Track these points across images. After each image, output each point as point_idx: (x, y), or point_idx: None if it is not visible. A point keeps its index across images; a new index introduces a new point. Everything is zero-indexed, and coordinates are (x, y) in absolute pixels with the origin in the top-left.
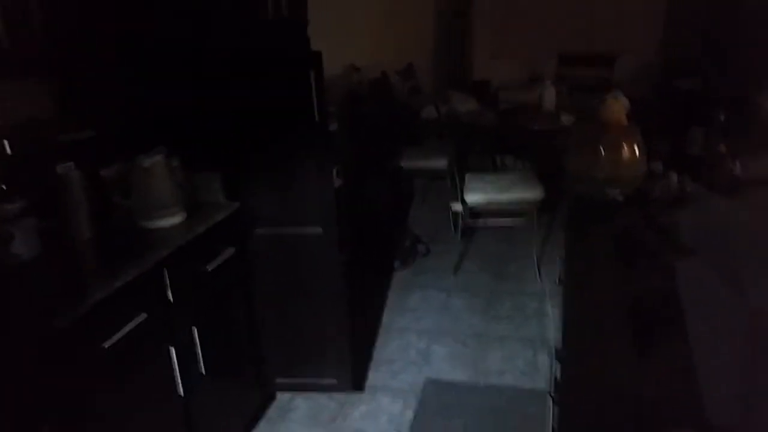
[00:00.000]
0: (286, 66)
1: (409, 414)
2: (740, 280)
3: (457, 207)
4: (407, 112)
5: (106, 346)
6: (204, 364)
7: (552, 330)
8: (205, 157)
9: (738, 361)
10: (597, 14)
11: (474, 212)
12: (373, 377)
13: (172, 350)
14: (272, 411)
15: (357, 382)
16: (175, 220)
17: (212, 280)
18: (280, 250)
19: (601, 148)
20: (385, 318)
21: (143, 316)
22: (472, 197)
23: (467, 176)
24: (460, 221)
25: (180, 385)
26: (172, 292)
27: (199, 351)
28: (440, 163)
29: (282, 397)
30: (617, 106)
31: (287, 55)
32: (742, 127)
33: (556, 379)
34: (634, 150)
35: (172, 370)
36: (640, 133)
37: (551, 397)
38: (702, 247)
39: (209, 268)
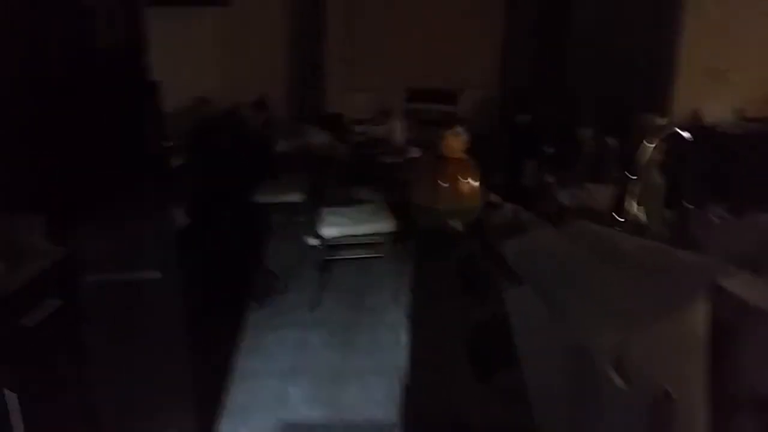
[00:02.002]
0: (119, 96)
1: None
2: (562, 309)
3: (314, 241)
4: (261, 145)
5: None
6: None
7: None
8: (25, 196)
9: (564, 389)
10: (443, 50)
11: (331, 245)
12: (225, 426)
13: None
14: None
15: None
16: None
17: (35, 338)
18: (114, 298)
19: (440, 182)
20: (240, 361)
21: None
22: (328, 231)
23: (323, 210)
24: (318, 255)
25: None
26: None
27: (18, 417)
28: (296, 197)
29: None
30: (456, 141)
31: (121, 84)
32: (567, 159)
33: (405, 409)
34: (473, 183)
35: None
36: (478, 167)
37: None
38: (529, 276)
39: (30, 323)
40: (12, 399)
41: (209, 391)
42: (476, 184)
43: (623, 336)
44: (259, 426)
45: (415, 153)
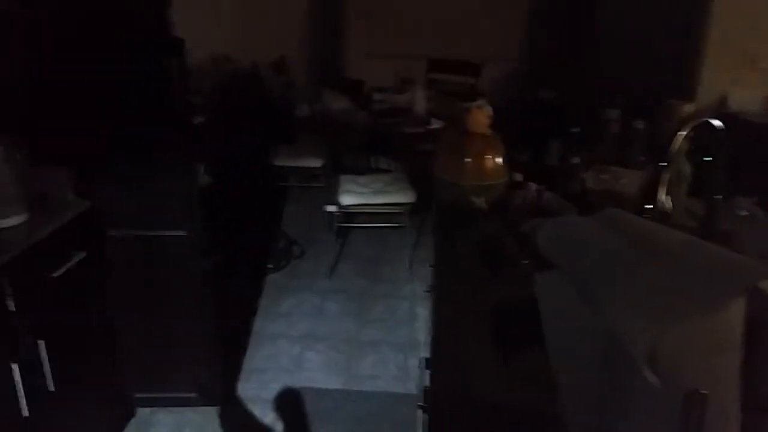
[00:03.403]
0: (144, 52)
1: (280, 426)
2: (594, 298)
3: (332, 208)
4: (281, 107)
5: None
6: (53, 380)
7: (422, 334)
8: (52, 148)
9: (592, 379)
10: (466, 20)
11: (348, 213)
12: (243, 388)
13: (15, 367)
14: (131, 428)
15: (224, 395)
16: (17, 220)
17: (60, 288)
18: (138, 254)
19: (466, 157)
20: (257, 324)
21: None
22: (346, 199)
23: (341, 178)
24: (335, 222)
25: (24, 404)
26: (14, 302)
27: (47, 366)
28: (314, 162)
29: (142, 412)
30: (481, 116)
31: (146, 40)
32: (594, 140)
33: (425, 387)
34: (498, 160)
35: (15, 387)
36: (502, 143)
37: (420, 407)
38: (555, 258)
39: (56, 274)
40: (41, 346)
41: (228, 352)
42: (500, 160)
43: (657, 331)
44: (278, 390)
45: (435, 124)
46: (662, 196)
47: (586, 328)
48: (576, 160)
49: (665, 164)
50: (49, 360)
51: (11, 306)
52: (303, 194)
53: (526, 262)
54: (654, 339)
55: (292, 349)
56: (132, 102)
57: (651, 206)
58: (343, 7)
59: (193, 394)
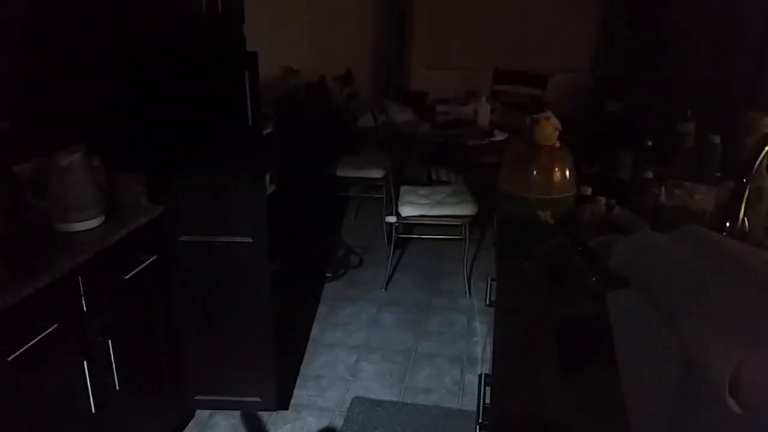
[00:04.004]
0: (219, 65)
1: None
2: (662, 309)
3: (391, 219)
4: (345, 118)
5: (9, 360)
6: (118, 379)
7: (479, 349)
8: (128, 155)
9: (667, 404)
10: (532, 31)
11: (407, 224)
12: (299, 394)
13: (86, 364)
14: (190, 430)
15: (281, 400)
16: (93, 223)
17: (130, 289)
18: (206, 259)
19: (534, 169)
20: (314, 331)
21: (54, 327)
22: (407, 210)
23: (402, 189)
24: (394, 233)
25: (92, 401)
26: (86, 302)
27: (114, 365)
28: (376, 173)
29: (201, 414)
30: (549, 127)
31: (221, 53)
32: (667, 154)
33: (484, 404)
34: (566, 173)
35: (84, 385)
36: (571, 156)
37: (480, 425)
38: (630, 276)
39: (128, 276)
40: (110, 346)
41: (286, 359)
42: (568, 173)
43: (741, 357)
44: (333, 398)
45: (499, 136)
46: (741, 214)
47: (661, 349)
48: (649, 175)
49: (745, 180)
50: (116, 359)
51: (84, 306)
52: (363, 204)
53: (595, 278)
54: (737, 365)
55: (349, 357)
56: (207, 112)
57: (729, 224)
58: (408, 19)
59: (251, 399)
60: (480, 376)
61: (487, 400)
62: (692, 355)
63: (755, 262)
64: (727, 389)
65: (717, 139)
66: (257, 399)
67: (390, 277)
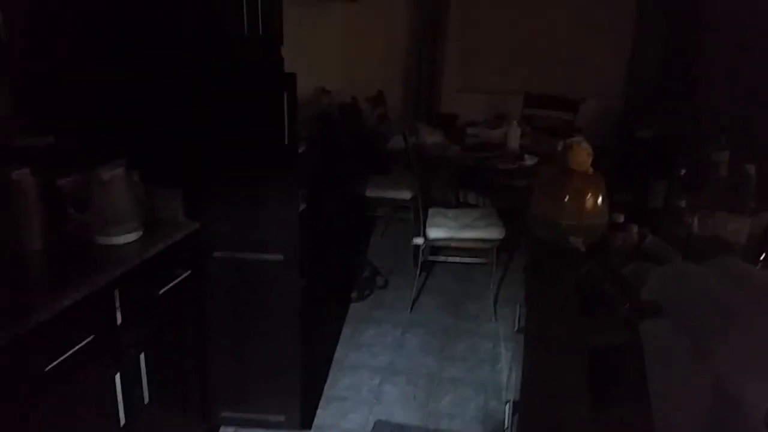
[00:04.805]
0: (258, 85)
1: None
2: (697, 341)
3: (419, 241)
4: (375, 139)
5: (47, 369)
6: (149, 392)
7: (504, 375)
8: (167, 171)
9: (697, 424)
10: (564, 56)
11: (434, 247)
12: (323, 415)
13: (118, 376)
14: None
15: (305, 421)
16: (132, 237)
17: (164, 303)
18: (238, 275)
19: (566, 195)
20: (338, 352)
21: (90, 338)
22: (434, 232)
23: (430, 211)
24: (421, 255)
25: (122, 412)
26: (121, 314)
27: (145, 378)
28: (405, 194)
29: (225, 431)
30: (582, 153)
31: (260, 74)
32: (701, 183)
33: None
34: (598, 199)
35: (116, 396)
36: (604, 183)
37: None
38: (664, 306)
39: (162, 290)
40: (141, 359)
41: (312, 379)
42: (601, 200)
43: None
44: (356, 420)
45: (529, 160)
46: None
47: (694, 380)
48: (682, 204)
49: None
50: (147, 372)
51: (119, 319)
52: (391, 225)
53: (626, 306)
54: None
55: (372, 380)
56: (245, 130)
57: (763, 256)
58: (440, 43)
59: (275, 418)
60: (507, 403)
61: (515, 428)
62: (725, 387)
63: None
64: (764, 422)
65: (752, 169)
66: (281, 418)
67: (415, 300)
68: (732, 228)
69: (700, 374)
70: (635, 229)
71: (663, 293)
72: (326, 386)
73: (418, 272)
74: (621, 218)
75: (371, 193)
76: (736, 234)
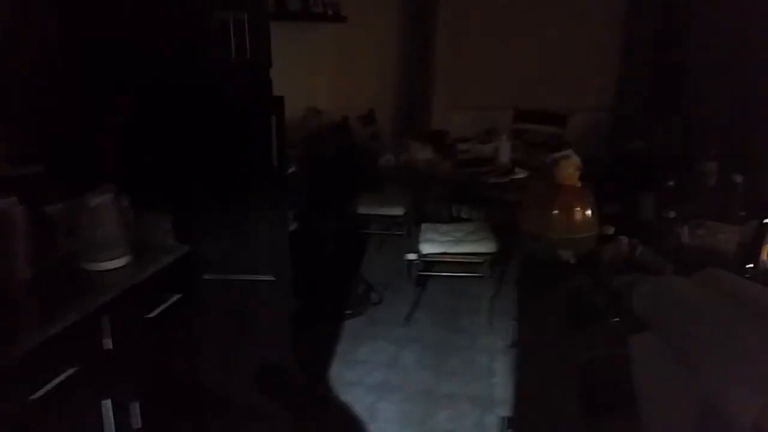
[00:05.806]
0: (246, 109)
1: None
2: (695, 363)
3: (412, 256)
4: (367, 157)
5: (33, 399)
6: (141, 419)
7: (500, 390)
8: (156, 195)
9: None
10: (552, 70)
11: (428, 262)
12: None
13: (107, 404)
14: None
15: None
16: (120, 262)
17: (153, 328)
18: (229, 297)
19: (555, 209)
20: (335, 369)
21: (77, 366)
22: (427, 247)
23: (423, 226)
24: (414, 271)
25: None
26: (111, 341)
27: (136, 405)
28: (397, 210)
29: None
30: (570, 166)
31: (248, 98)
32: (690, 194)
33: None
34: (587, 212)
35: (106, 425)
36: (592, 195)
37: None
38: (652, 318)
39: (151, 315)
40: (131, 385)
41: (307, 398)
42: (590, 213)
43: (762, 402)
44: None
45: (519, 174)
46: (765, 255)
47: (681, 391)
48: (672, 215)
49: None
50: (137, 399)
51: (108, 344)
52: (384, 241)
53: (617, 319)
54: (758, 410)
55: (367, 397)
56: (233, 153)
57: (752, 265)
58: (430, 60)
59: None
60: (503, 419)
61: None
62: (712, 397)
63: None
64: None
65: (739, 178)
66: None
67: (410, 315)
68: (722, 237)
69: (685, 384)
70: (625, 240)
71: (650, 306)
72: (324, 405)
73: (412, 288)
74: (611, 230)
75: (364, 210)
76: (726, 243)
